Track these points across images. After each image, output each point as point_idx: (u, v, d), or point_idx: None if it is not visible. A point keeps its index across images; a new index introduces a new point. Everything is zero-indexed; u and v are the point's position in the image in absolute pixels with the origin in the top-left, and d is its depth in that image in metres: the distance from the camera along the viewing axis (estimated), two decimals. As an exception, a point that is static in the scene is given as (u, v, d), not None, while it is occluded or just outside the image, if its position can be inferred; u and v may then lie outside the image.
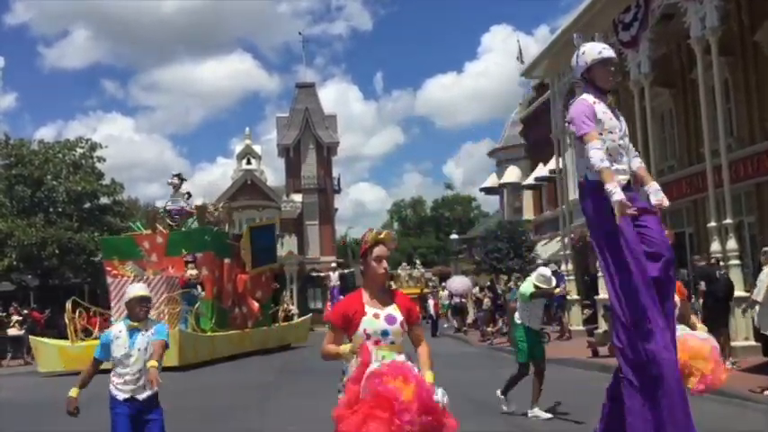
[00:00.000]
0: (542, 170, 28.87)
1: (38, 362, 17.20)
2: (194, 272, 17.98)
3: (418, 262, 47.47)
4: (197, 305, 17.77)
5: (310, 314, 29.53)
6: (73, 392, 4.76)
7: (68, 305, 17.43)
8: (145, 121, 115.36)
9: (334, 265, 35.16)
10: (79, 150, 33.60)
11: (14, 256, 29.50)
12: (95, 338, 17.16)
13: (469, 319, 26.47)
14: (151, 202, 47.58)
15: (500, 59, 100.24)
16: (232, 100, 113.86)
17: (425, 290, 36.93)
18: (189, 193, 21.03)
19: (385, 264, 3.86)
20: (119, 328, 4.97)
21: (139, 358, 4.87)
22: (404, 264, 48.14)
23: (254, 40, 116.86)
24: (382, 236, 3.91)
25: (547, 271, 8.99)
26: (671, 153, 19.45)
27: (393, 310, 3.81)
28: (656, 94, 18.33)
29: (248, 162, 42.93)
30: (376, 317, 3.75)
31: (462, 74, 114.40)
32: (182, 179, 21.03)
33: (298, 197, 42.09)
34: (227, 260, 20.14)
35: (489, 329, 20.63)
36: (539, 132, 29.79)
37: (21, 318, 22.60)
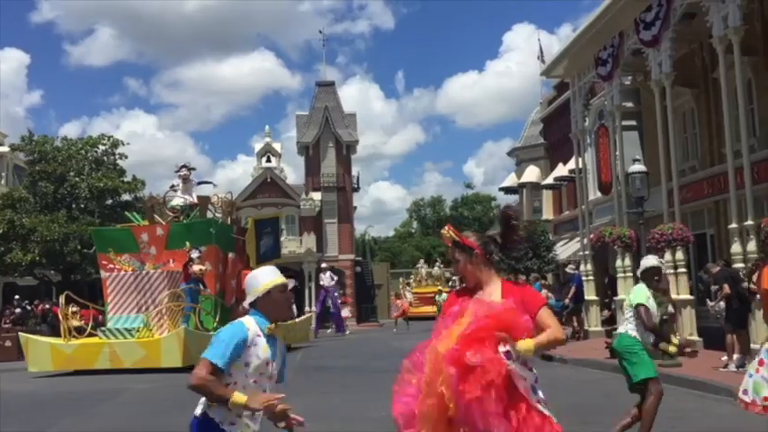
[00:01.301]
0: (562, 170, 28.71)
1: (27, 360, 15.92)
2: (204, 267, 16.84)
3: (438, 260, 47.38)
4: (200, 302, 16.77)
5: (311, 313, 28.33)
6: (239, 398, 3.11)
7: (62, 300, 16.48)
8: (167, 119, 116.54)
9: (324, 265, 32.75)
10: (101, 147, 34.15)
11: (37, 252, 29.95)
12: (89, 336, 16.40)
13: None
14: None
15: (522, 58, 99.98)
16: (254, 98, 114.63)
17: (444, 288, 36.88)
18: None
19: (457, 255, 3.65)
20: (255, 330, 3.26)
21: (274, 380, 3.42)
22: (422, 261, 48.08)
23: (277, 38, 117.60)
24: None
25: (652, 260, 6.99)
26: (692, 153, 19.27)
27: (488, 296, 3.51)
28: (678, 93, 18.15)
29: (268, 160, 43.13)
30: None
31: (484, 73, 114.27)
32: (191, 169, 19.58)
33: (317, 195, 42.24)
34: (231, 254, 18.97)
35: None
36: (559, 132, 29.64)
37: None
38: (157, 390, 12.19)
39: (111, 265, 17.54)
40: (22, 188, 33.52)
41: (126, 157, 34.65)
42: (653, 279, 6.71)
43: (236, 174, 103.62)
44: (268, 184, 41.73)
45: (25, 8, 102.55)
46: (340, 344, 24.61)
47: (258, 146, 44.31)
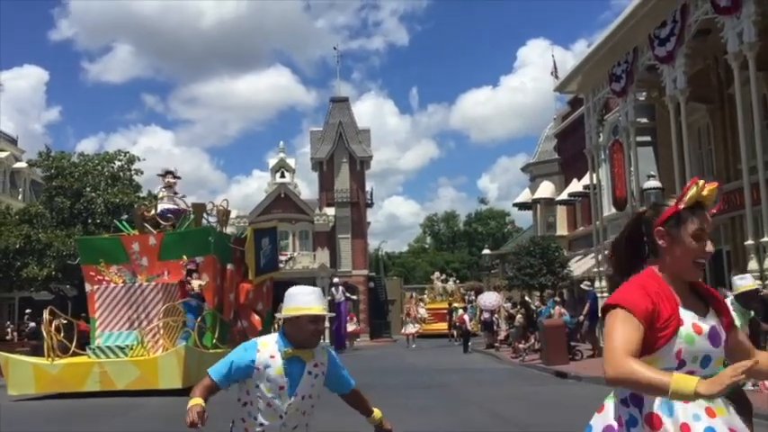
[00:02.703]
0: (576, 186, 28.62)
1: (7, 382, 14.06)
2: (203, 282, 15.49)
3: (453, 275, 47.01)
4: (200, 317, 15.20)
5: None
6: (196, 400, 3.00)
7: (46, 315, 14.78)
8: (184, 135, 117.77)
9: (336, 280, 31.79)
10: (117, 163, 34.45)
11: (53, 266, 30.16)
12: (73, 355, 14.99)
13: (501, 336, 26.26)
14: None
15: (536, 73, 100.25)
16: (269, 114, 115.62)
17: (456, 304, 36.57)
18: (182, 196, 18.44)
19: (709, 245, 2.25)
20: (270, 352, 3.10)
21: (300, 409, 3.15)
22: (437, 274, 47.69)
23: (292, 54, 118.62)
24: (706, 192, 2.24)
25: (749, 281, 6.43)
26: (708, 169, 19.15)
27: (714, 318, 2.25)
28: (693, 109, 18.08)
29: (282, 175, 43.31)
30: (698, 331, 2.18)
31: (498, 88, 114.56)
32: (176, 177, 18.22)
33: (330, 210, 42.34)
34: (229, 266, 17.46)
35: (521, 346, 20.44)
36: (573, 147, 29.57)
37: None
38: (173, 405, 12.14)
39: (100, 277, 16.03)
40: (39, 203, 33.87)
41: (142, 173, 34.95)
42: (752, 302, 6.42)
43: (251, 189, 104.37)
44: (282, 200, 41.89)
45: (44, 26, 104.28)
46: (353, 360, 24.54)
47: (272, 161, 44.53)
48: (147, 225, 17.24)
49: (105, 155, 35.02)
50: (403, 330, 32.72)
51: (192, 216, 17.63)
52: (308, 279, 38.93)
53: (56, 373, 13.69)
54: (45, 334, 14.36)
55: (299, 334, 3.09)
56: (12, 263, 30.76)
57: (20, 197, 42.94)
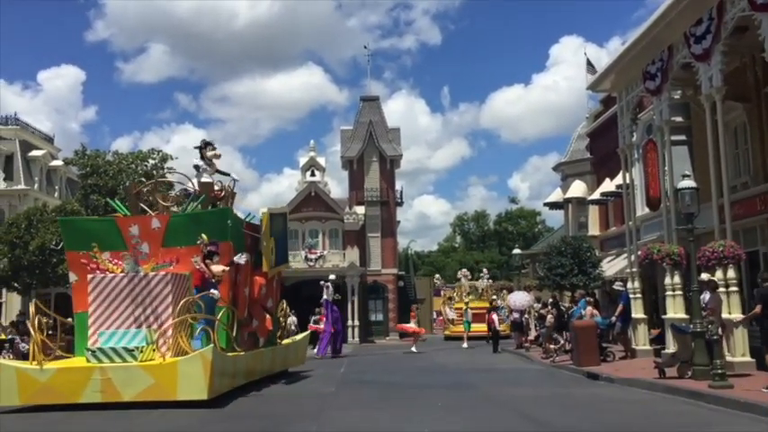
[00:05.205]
0: (608, 185, 28.31)
1: None
2: (225, 268, 13.41)
3: (485, 271, 46.03)
4: (220, 314, 13.15)
5: (308, 331, 23.26)
6: None
7: (32, 309, 12.69)
8: (216, 133, 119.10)
9: (333, 277, 28.55)
10: (151, 161, 34.99)
11: (88, 263, 30.69)
12: (59, 358, 12.99)
13: (531, 336, 26.10)
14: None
15: (569, 72, 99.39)
16: (301, 112, 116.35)
17: (476, 302, 35.92)
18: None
19: None
20: None
21: None
22: (464, 271, 46.90)
23: (324, 54, 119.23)
24: None
25: None
26: (744, 169, 18.83)
27: None
28: (729, 108, 17.76)
29: (312, 174, 43.51)
30: None
31: (530, 86, 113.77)
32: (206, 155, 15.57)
33: (360, 209, 42.42)
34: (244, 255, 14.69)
35: (552, 346, 20.29)
36: (605, 147, 29.25)
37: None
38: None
39: (93, 265, 13.72)
40: (75, 201, 34.51)
41: (174, 171, 35.48)
42: None
43: (282, 187, 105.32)
44: (312, 198, 42.07)
45: (81, 27, 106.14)
46: (383, 358, 24.56)
47: (303, 160, 44.73)
48: (142, 206, 15.02)
49: (139, 153, 35.67)
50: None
51: (201, 197, 15.14)
52: (338, 277, 39.03)
53: (45, 381, 11.50)
54: (32, 332, 12.15)
55: None
56: (48, 259, 31.42)
57: (56, 195, 43.81)
